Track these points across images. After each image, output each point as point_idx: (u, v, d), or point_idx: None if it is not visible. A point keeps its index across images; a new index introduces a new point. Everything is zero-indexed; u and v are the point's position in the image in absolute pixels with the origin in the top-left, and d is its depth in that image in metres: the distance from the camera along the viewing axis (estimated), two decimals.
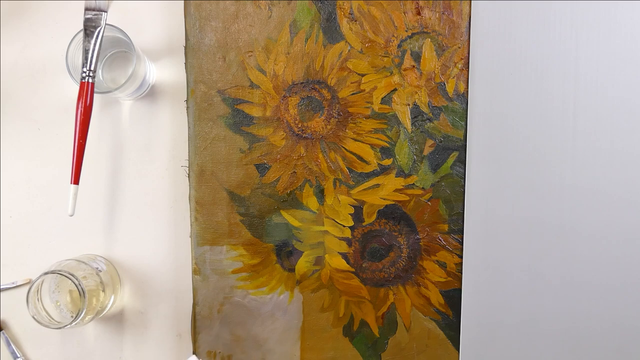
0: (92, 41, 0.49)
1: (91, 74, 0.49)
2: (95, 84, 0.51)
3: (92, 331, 0.56)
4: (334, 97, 0.53)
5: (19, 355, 0.55)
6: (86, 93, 0.49)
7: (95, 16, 0.50)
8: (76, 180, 0.50)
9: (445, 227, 0.53)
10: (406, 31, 0.53)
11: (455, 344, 0.54)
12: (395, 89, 0.53)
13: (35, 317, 0.49)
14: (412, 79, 0.53)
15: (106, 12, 0.50)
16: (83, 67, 0.49)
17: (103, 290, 0.52)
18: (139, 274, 0.56)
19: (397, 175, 0.53)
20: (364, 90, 0.53)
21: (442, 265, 0.54)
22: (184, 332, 0.56)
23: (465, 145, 0.53)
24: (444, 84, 0.53)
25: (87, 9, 0.50)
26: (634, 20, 0.51)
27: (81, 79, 0.49)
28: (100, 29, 0.50)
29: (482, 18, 0.52)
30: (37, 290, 0.51)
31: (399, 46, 0.53)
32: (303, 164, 0.53)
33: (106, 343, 0.56)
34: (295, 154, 0.53)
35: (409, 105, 0.53)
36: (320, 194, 0.54)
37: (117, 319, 0.56)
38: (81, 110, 0.49)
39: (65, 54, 0.50)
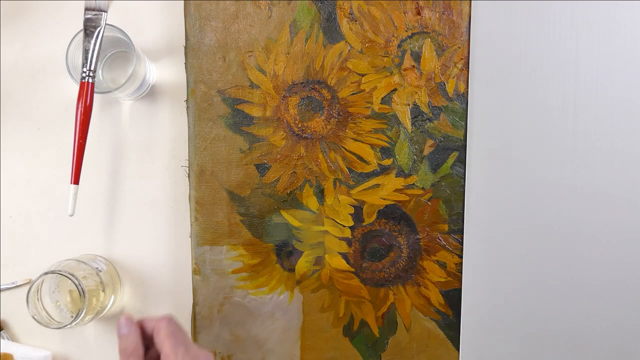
0: (92, 41, 0.49)
1: (91, 74, 0.49)
2: (95, 84, 0.51)
3: (92, 331, 0.56)
4: (334, 97, 0.53)
5: None
6: (86, 93, 0.49)
7: (95, 16, 0.50)
8: (76, 180, 0.50)
9: (445, 227, 0.53)
10: (406, 31, 0.53)
11: (455, 344, 0.54)
12: (395, 89, 0.53)
13: (35, 317, 0.49)
14: (412, 79, 0.53)
15: (106, 12, 0.50)
16: (83, 67, 0.49)
17: (103, 290, 0.52)
18: (139, 274, 0.56)
19: (397, 175, 0.53)
20: (364, 90, 0.53)
21: (442, 265, 0.54)
22: None
23: (465, 145, 0.53)
24: (444, 84, 0.53)
25: (87, 9, 0.50)
26: (634, 20, 0.51)
27: (81, 79, 0.49)
28: (100, 29, 0.50)
29: (482, 18, 0.52)
30: (37, 290, 0.51)
31: (399, 46, 0.53)
32: (303, 164, 0.53)
33: (106, 343, 0.56)
34: (295, 154, 0.53)
35: (409, 105, 0.53)
36: (320, 194, 0.54)
37: (117, 319, 0.56)
38: (81, 110, 0.49)
39: (65, 54, 0.50)
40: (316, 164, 0.53)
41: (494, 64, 0.52)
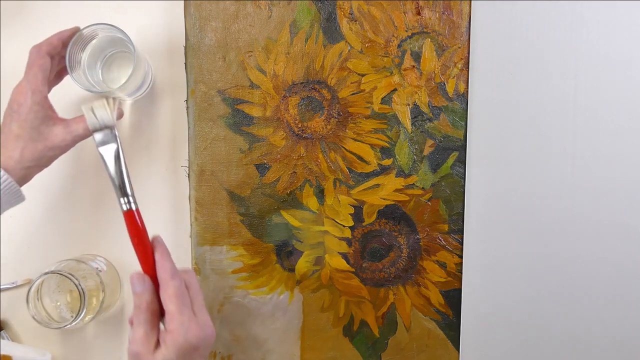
0: (121, 163, 0.44)
1: (132, 200, 0.44)
2: (96, 84, 0.51)
3: (92, 331, 0.56)
4: (334, 97, 0.53)
5: None
6: (134, 221, 0.44)
7: (106, 135, 0.45)
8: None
9: (445, 227, 0.53)
10: (406, 31, 0.53)
11: (455, 344, 0.54)
12: (395, 89, 0.53)
13: (35, 317, 0.49)
14: (412, 79, 0.53)
15: (114, 125, 0.45)
16: (121, 197, 0.45)
17: (103, 290, 0.52)
18: None
19: (397, 175, 0.53)
20: (364, 90, 0.53)
21: (442, 265, 0.54)
22: None
23: (465, 145, 0.53)
24: (444, 84, 0.53)
25: (94, 131, 0.45)
26: (634, 20, 0.51)
27: (123, 210, 0.45)
28: (118, 146, 0.44)
29: (482, 18, 0.52)
30: (37, 290, 0.51)
31: (399, 46, 0.53)
32: (303, 164, 0.53)
33: (106, 343, 0.56)
34: (295, 154, 0.53)
35: (409, 105, 0.53)
36: (320, 194, 0.54)
37: (117, 319, 0.56)
38: (136, 240, 0.44)
39: (67, 53, 0.50)
40: (316, 164, 0.53)
41: (494, 64, 0.52)
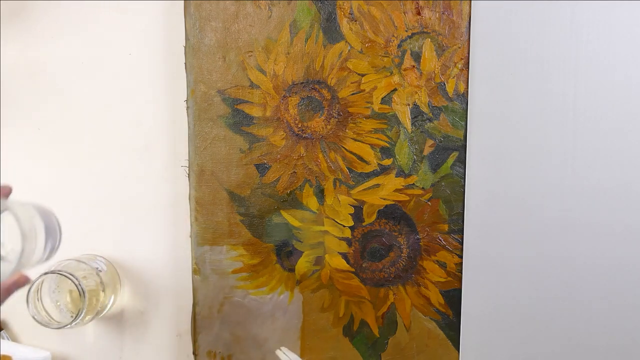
0: None
1: None
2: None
3: (92, 331, 0.56)
4: (334, 97, 0.53)
5: None
6: None
7: None
8: None
9: (445, 227, 0.53)
10: (406, 31, 0.53)
11: (455, 344, 0.54)
12: (395, 89, 0.53)
13: (35, 317, 0.49)
14: (412, 79, 0.53)
15: None
16: None
17: (103, 290, 0.52)
18: (139, 274, 0.56)
19: (397, 175, 0.53)
20: (364, 90, 0.53)
21: (442, 265, 0.54)
22: (184, 332, 0.56)
23: (465, 145, 0.53)
24: (444, 84, 0.53)
25: None
26: (634, 20, 0.51)
27: None
28: None
29: (482, 18, 0.52)
30: (37, 290, 0.51)
31: (399, 46, 0.53)
32: (303, 164, 0.53)
33: (106, 343, 0.56)
34: (295, 154, 0.53)
35: (409, 105, 0.53)
36: (320, 194, 0.54)
37: (117, 319, 0.56)
38: None
39: None
40: (316, 164, 0.53)
41: (494, 64, 0.52)
